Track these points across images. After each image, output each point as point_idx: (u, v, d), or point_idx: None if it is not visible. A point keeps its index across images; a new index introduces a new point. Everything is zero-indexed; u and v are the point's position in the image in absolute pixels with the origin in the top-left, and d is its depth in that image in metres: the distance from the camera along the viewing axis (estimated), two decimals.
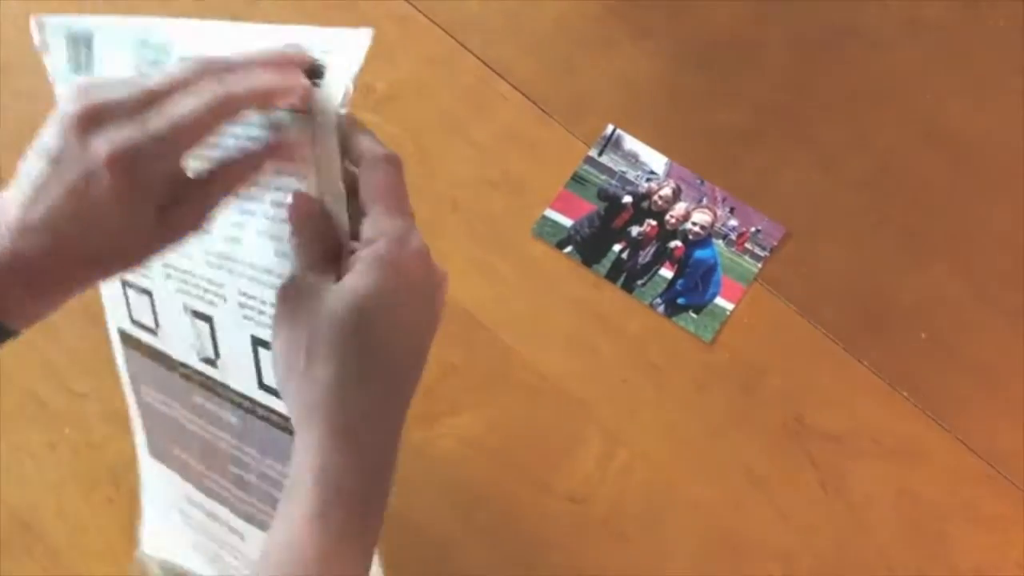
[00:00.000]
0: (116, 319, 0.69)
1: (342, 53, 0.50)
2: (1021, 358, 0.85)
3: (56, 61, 0.59)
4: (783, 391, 0.85)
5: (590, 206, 0.91)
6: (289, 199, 0.51)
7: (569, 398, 0.85)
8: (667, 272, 0.89)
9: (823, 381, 0.85)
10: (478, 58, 0.96)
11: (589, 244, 0.90)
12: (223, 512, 0.70)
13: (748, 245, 0.89)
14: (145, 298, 0.65)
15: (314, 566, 0.46)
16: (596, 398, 0.85)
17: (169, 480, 0.73)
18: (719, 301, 0.87)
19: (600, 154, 0.92)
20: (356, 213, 0.51)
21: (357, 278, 0.48)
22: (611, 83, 0.95)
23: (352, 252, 0.50)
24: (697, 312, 0.87)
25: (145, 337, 0.67)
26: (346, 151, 0.51)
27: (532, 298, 0.89)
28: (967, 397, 0.84)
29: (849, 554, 0.80)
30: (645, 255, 0.89)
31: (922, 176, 0.92)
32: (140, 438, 0.74)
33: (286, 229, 0.53)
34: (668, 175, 0.92)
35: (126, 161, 0.46)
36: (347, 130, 0.50)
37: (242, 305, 0.58)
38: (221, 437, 0.66)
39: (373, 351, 0.48)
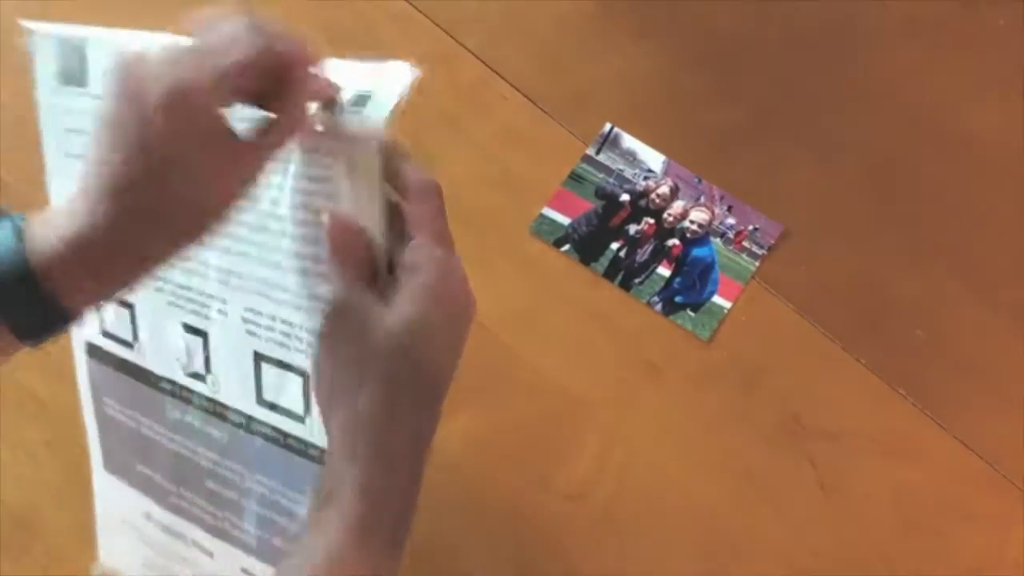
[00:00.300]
0: (84, 332, 0.68)
1: (386, 83, 0.51)
2: (1021, 358, 0.85)
3: (43, 69, 0.59)
4: (781, 390, 0.85)
5: (588, 204, 0.91)
6: (324, 218, 0.52)
7: (567, 397, 0.85)
8: (665, 270, 0.89)
9: (821, 380, 0.85)
10: (477, 58, 0.96)
11: (587, 242, 0.90)
12: (189, 529, 0.69)
13: (746, 243, 0.89)
14: (125, 311, 0.65)
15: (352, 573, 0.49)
16: (594, 396, 0.85)
17: (125, 495, 0.72)
18: (717, 299, 0.87)
19: (598, 152, 0.92)
20: (391, 234, 0.52)
21: (408, 306, 0.50)
22: (609, 82, 0.95)
23: (391, 273, 0.52)
24: (695, 310, 0.87)
25: (118, 350, 0.66)
26: (386, 175, 0.52)
27: (530, 297, 0.89)
28: (966, 396, 0.84)
29: (847, 553, 0.80)
30: (643, 253, 0.89)
31: (922, 175, 0.91)
32: (95, 451, 0.73)
33: (309, 248, 0.53)
34: (666, 173, 0.92)
35: (175, 99, 0.47)
36: (390, 154, 0.52)
37: (246, 320, 0.58)
38: (200, 452, 0.65)
39: (420, 375, 0.51)
